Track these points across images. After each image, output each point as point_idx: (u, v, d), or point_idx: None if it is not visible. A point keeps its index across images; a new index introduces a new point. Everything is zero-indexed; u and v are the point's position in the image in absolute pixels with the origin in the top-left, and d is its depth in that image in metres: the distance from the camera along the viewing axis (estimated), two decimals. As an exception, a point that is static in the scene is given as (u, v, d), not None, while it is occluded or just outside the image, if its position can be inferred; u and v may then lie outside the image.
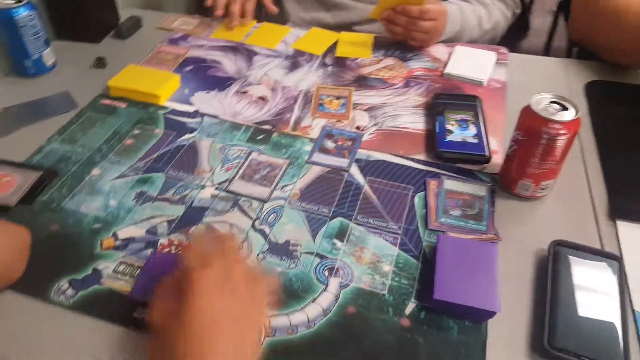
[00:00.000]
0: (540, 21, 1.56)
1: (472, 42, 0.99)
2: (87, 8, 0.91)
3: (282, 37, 0.97)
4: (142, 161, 0.70)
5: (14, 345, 0.50)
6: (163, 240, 0.59)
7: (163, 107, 0.80)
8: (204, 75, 0.88)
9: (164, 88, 0.81)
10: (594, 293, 0.53)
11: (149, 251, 0.58)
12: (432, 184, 0.67)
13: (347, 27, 1.06)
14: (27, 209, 0.62)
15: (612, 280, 0.55)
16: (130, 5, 1.05)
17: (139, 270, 0.56)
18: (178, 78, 0.84)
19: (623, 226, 0.62)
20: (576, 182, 0.69)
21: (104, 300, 0.53)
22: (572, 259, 0.57)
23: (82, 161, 0.70)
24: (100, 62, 0.88)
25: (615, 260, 0.57)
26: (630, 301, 0.54)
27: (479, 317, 0.53)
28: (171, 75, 0.84)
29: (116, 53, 0.91)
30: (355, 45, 0.95)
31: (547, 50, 1.57)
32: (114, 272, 0.56)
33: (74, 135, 0.74)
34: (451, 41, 0.96)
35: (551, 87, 0.84)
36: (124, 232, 0.60)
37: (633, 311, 0.53)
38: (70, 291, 0.54)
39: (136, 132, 0.75)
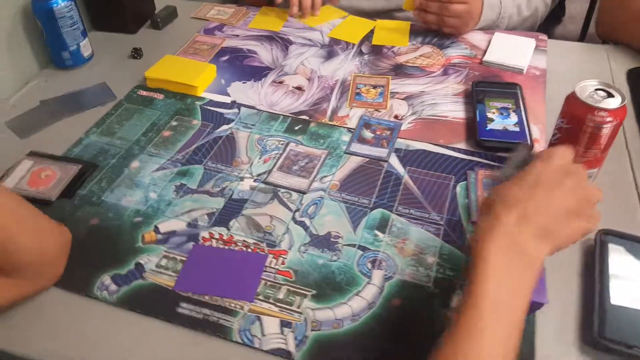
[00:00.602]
0: (577, 7, 1.49)
1: (511, 29, 0.94)
2: (122, -1, 0.90)
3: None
4: (180, 153, 0.68)
5: (61, 341, 0.49)
6: (204, 234, 0.58)
7: (200, 98, 0.78)
8: (240, 65, 0.85)
9: (201, 79, 0.79)
10: None
11: (190, 244, 0.57)
12: (481, 173, 0.64)
13: (384, 14, 1.02)
14: (67, 203, 0.61)
15: None
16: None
17: (181, 264, 0.55)
18: (214, 68, 0.82)
19: (673, 216, 0.59)
20: (620, 171, 0.66)
21: (148, 295, 0.52)
22: (620, 249, 0.54)
23: (121, 154, 0.68)
24: (137, 53, 0.86)
25: None
26: None
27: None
28: (207, 65, 0.82)
29: (152, 43, 0.90)
30: (392, 33, 0.92)
31: (582, 37, 1.50)
32: (156, 267, 0.54)
33: (112, 127, 0.73)
34: (489, 29, 0.92)
35: (592, 74, 0.79)
36: (165, 226, 0.59)
37: None
38: (113, 286, 0.53)
39: (174, 123, 0.73)
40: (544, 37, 0.89)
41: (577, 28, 1.50)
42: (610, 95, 0.57)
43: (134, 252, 0.56)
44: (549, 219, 0.42)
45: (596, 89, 0.58)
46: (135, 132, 0.72)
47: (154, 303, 0.51)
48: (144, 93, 0.79)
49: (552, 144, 0.62)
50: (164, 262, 0.55)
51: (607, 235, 0.55)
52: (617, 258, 0.53)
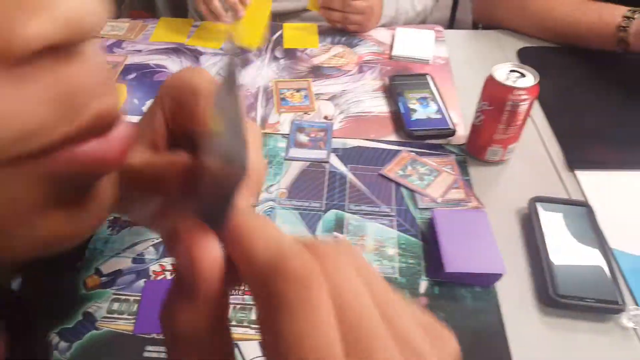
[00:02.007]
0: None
1: (407, 24, 0.97)
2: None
3: (224, 35, 0.89)
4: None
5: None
6: (154, 267, 0.51)
7: (115, 122, 0.69)
8: (151, 82, 0.78)
9: (113, 101, 0.70)
10: (576, 239, 0.55)
11: (142, 282, 0.50)
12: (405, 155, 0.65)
13: (293, 14, 0.99)
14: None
15: (587, 225, 0.56)
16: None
17: (136, 304, 0.48)
18: (124, 88, 0.74)
19: (582, 175, 0.64)
20: (533, 143, 0.70)
21: (106, 345, 0.45)
22: (551, 213, 0.58)
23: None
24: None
25: (585, 206, 0.58)
26: (606, 241, 0.56)
27: (487, 281, 0.52)
28: (117, 85, 0.73)
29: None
30: (301, 35, 0.89)
31: (451, 24, 1.61)
32: (108, 313, 0.47)
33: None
34: (389, 25, 0.94)
35: (488, 57, 0.85)
36: (107, 266, 0.51)
37: (610, 249, 0.55)
38: (63, 344, 0.44)
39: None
40: (440, 28, 0.93)
41: (444, 15, 1.61)
42: (522, 75, 0.60)
43: (79, 302, 0.48)
44: None
45: (510, 71, 0.61)
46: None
47: (116, 352, 0.44)
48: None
49: (476, 125, 0.64)
50: (115, 306, 0.48)
51: (536, 202, 0.58)
52: (551, 221, 0.56)
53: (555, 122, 0.73)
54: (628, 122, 0.72)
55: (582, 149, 0.68)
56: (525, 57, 0.85)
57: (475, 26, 1.15)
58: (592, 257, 0.53)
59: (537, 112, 0.74)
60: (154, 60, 0.83)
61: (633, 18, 0.77)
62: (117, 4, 1.35)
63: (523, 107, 0.60)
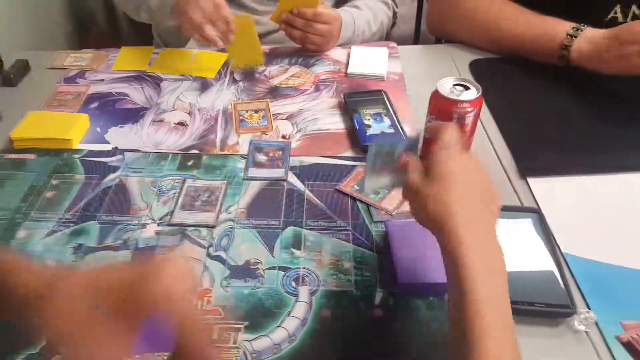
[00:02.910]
0: (406, 8, 1.63)
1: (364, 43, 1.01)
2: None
3: (185, 62, 0.91)
4: (69, 212, 0.62)
5: None
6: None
7: (77, 151, 0.71)
8: (113, 110, 0.79)
9: (74, 130, 0.72)
10: (527, 245, 0.57)
11: (105, 305, 0.51)
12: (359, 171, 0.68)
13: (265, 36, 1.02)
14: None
15: (537, 230, 0.59)
16: (12, 49, 0.92)
17: (99, 328, 0.49)
18: (87, 117, 0.76)
19: (533, 182, 0.67)
20: (485, 152, 0.73)
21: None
22: (501, 220, 0.59)
23: (3, 226, 0.60)
24: (-7, 115, 0.76)
25: (535, 212, 0.61)
26: (557, 245, 0.58)
27: (440, 291, 0.54)
28: (78, 115, 0.75)
29: (9, 102, 0.80)
30: (245, 55, 0.91)
31: (417, 36, 1.65)
32: (71, 337, 0.48)
33: (-17, 199, 0.63)
34: (347, 44, 0.97)
35: (440, 71, 0.88)
36: (70, 292, 0.53)
37: (562, 253, 0.58)
38: (27, 371, 0.46)
39: (55, 182, 0.66)
40: (393, 44, 0.96)
41: (410, 27, 1.65)
42: (466, 87, 0.63)
43: (42, 331, 0.49)
44: (481, 197, 0.46)
45: (454, 85, 0.64)
46: (13, 200, 0.63)
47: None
48: (13, 156, 0.70)
49: (426, 138, 0.67)
50: (79, 332, 0.49)
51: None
52: (500, 229, 0.57)
53: (506, 131, 0.76)
54: (577, 129, 0.75)
55: (533, 156, 0.71)
56: (476, 69, 0.89)
57: (438, 40, 1.19)
58: (543, 263, 0.55)
59: (489, 122, 0.78)
60: (115, 88, 0.84)
61: (575, 36, 0.80)
62: (86, 31, 1.37)
63: (469, 118, 0.63)
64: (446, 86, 0.64)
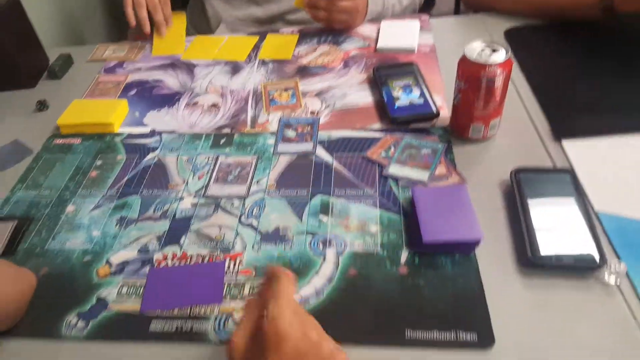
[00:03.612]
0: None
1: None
2: (12, 56, 0.90)
3: (216, 47, 1.00)
4: (113, 188, 0.71)
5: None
6: (157, 256, 0.61)
7: (118, 134, 0.81)
8: (150, 96, 0.89)
9: (115, 115, 0.82)
10: (558, 204, 0.60)
11: (146, 269, 0.59)
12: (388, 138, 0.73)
13: (279, 17, 1.10)
14: (11, 260, 0.61)
15: (570, 190, 0.62)
16: (56, 45, 1.04)
17: (142, 288, 0.57)
18: (126, 103, 0.85)
19: (568, 143, 0.70)
20: (519, 117, 0.76)
21: (117, 323, 0.54)
22: (533, 181, 0.63)
23: (53, 202, 0.70)
24: (42, 105, 0.87)
25: (568, 173, 0.64)
26: (591, 204, 0.61)
27: (466, 249, 0.58)
28: (118, 101, 0.85)
29: (55, 93, 0.91)
30: (278, 47, 0.98)
31: (456, 14, 1.68)
32: (118, 296, 0.57)
33: (37, 179, 0.74)
34: (377, 20, 1.02)
35: (475, 40, 0.92)
36: (116, 258, 0.61)
37: (595, 211, 0.61)
38: (80, 323, 0.54)
39: (98, 162, 0.75)
40: (425, 17, 1.01)
41: (449, 8, 1.68)
42: (495, 51, 0.67)
43: (92, 289, 0.58)
44: None
45: (482, 49, 0.67)
46: (61, 180, 0.73)
47: (125, 328, 0.54)
48: (61, 141, 0.80)
49: (456, 105, 0.72)
50: (124, 290, 0.57)
51: (519, 173, 0.64)
52: (533, 189, 0.62)
53: (541, 96, 0.79)
54: (611, 91, 0.78)
55: (567, 118, 0.74)
56: (512, 37, 0.92)
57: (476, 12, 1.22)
58: (574, 220, 0.58)
59: (523, 86, 0.81)
60: (152, 76, 0.94)
61: None
62: (122, 29, 1.49)
63: (498, 82, 0.66)
64: (474, 50, 0.67)
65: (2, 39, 0.88)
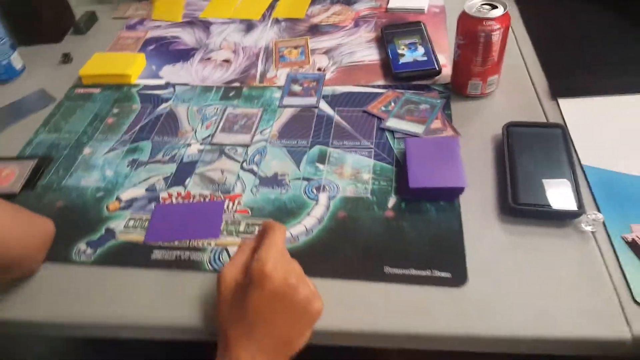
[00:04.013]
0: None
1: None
2: (42, 11, 0.95)
3: (233, 6, 1.03)
4: (127, 134, 0.75)
5: (51, 304, 0.55)
6: (163, 195, 0.65)
7: (135, 85, 0.85)
8: (167, 51, 0.92)
9: (133, 67, 0.85)
10: (545, 156, 0.61)
11: (153, 205, 0.64)
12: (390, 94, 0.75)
13: None
14: (31, 194, 0.67)
15: (559, 143, 0.62)
16: (83, 4, 1.08)
17: (147, 222, 0.62)
18: (143, 57, 0.89)
19: (564, 102, 0.70)
20: (518, 75, 0.77)
21: (122, 251, 0.59)
22: (523, 134, 0.64)
23: (72, 144, 0.74)
24: (66, 58, 0.92)
25: (559, 128, 0.65)
26: (578, 158, 0.62)
27: (450, 195, 0.60)
28: (137, 55, 0.89)
29: (79, 48, 0.96)
30: (292, 6, 1.00)
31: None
32: (125, 228, 0.61)
33: (58, 124, 0.79)
34: None
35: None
36: (126, 195, 0.66)
37: (581, 164, 0.62)
38: (89, 250, 0.59)
39: (115, 110, 0.80)
40: (438, -21, 1.00)
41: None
42: (494, 7, 0.67)
43: (102, 221, 0.63)
44: (279, 340, 0.47)
45: (482, 5, 0.68)
46: (81, 125, 0.78)
47: (129, 256, 0.58)
48: (82, 91, 0.85)
49: (456, 61, 0.72)
50: (131, 223, 0.62)
51: (511, 127, 0.65)
52: (522, 141, 0.63)
53: (543, 54, 0.79)
54: (615, 49, 0.77)
55: (567, 77, 0.74)
56: (521, -3, 0.92)
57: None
58: (558, 171, 0.59)
59: (525, 43, 0.81)
60: (170, 33, 0.98)
61: None
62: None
63: (495, 37, 0.66)
64: (474, 6, 0.68)
65: (31, -2, 0.92)
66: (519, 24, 0.86)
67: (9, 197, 0.66)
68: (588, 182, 0.59)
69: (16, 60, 0.89)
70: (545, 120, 0.69)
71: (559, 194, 0.57)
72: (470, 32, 0.67)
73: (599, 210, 0.56)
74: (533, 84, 0.75)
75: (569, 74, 0.75)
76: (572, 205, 0.55)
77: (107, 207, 0.64)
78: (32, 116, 0.81)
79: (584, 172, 0.61)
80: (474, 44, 0.68)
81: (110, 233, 0.61)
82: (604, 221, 0.55)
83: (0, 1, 0.92)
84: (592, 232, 0.54)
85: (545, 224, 0.56)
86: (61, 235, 0.61)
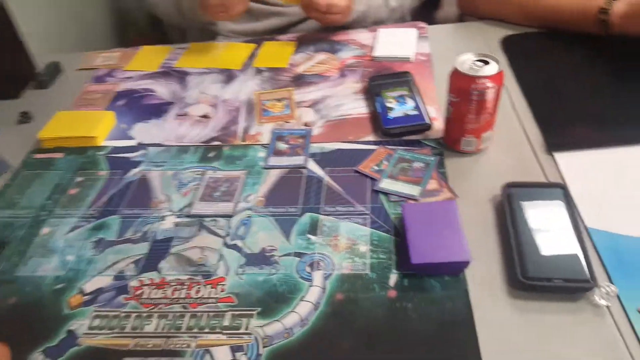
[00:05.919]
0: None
1: (380, 22, 1.00)
2: (-4, 64, 0.83)
3: (212, 54, 0.93)
4: (92, 208, 0.64)
5: None
6: (133, 283, 0.54)
7: (102, 148, 0.74)
8: (139, 106, 0.82)
9: (99, 128, 0.75)
10: (549, 221, 0.55)
11: (121, 297, 0.53)
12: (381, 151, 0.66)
13: (279, 31, 1.02)
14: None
15: (561, 205, 0.56)
16: (45, 53, 0.97)
17: (115, 320, 0.51)
18: (112, 115, 0.78)
19: (560, 157, 0.64)
20: (512, 129, 0.70)
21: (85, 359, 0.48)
22: (524, 197, 0.58)
23: (28, 223, 0.63)
24: (25, 117, 0.80)
25: (560, 188, 0.59)
26: (582, 220, 0.56)
27: (455, 270, 0.53)
28: (105, 113, 0.78)
29: (40, 104, 0.84)
30: (276, 53, 0.91)
31: (462, 17, 1.60)
32: (89, 329, 0.50)
33: (12, 198, 0.67)
34: (359, 21, 0.96)
35: (470, 49, 0.84)
36: (90, 285, 0.55)
37: (586, 228, 0.55)
38: (46, 361, 0.48)
39: (79, 179, 0.68)
40: (423, 24, 0.94)
41: (455, 10, 1.60)
42: (486, 63, 0.61)
43: (62, 321, 0.51)
44: None
45: (474, 61, 0.61)
46: (39, 198, 0.66)
47: (94, 366, 0.47)
48: (41, 156, 0.73)
49: (448, 118, 0.65)
50: (96, 322, 0.51)
51: (510, 188, 0.59)
52: (523, 205, 0.56)
53: (536, 106, 0.73)
54: (606, 103, 0.72)
55: (561, 131, 0.68)
56: (508, 45, 0.85)
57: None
58: (565, 238, 0.53)
59: (518, 98, 0.75)
60: (142, 85, 0.87)
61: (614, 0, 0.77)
62: (126, 32, 1.42)
63: (489, 94, 0.60)
64: (465, 63, 0.61)
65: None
66: (508, 74, 0.79)
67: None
68: (595, 247, 0.53)
69: (-34, 121, 0.77)
70: (543, 176, 0.62)
71: (569, 265, 0.50)
72: (463, 89, 0.61)
73: (610, 281, 0.50)
74: (528, 138, 0.68)
75: (564, 128, 0.68)
76: (584, 278, 0.49)
77: (67, 303, 0.53)
78: (-16, 187, 0.69)
79: (589, 236, 0.54)
80: (467, 102, 0.61)
81: (72, 336, 0.50)
82: (617, 293, 0.48)
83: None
84: (607, 307, 0.48)
85: (557, 298, 0.49)
86: (14, 343, 0.49)
